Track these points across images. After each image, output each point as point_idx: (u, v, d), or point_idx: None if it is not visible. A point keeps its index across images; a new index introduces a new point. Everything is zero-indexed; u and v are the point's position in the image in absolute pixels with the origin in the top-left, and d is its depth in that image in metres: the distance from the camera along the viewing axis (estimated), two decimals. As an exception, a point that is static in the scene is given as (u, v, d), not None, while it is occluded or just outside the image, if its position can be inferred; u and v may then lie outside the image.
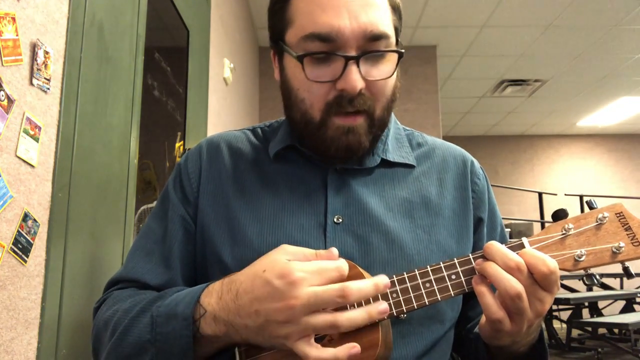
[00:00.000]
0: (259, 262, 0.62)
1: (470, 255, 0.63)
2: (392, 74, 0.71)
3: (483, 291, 0.60)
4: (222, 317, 0.61)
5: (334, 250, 0.62)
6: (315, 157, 0.77)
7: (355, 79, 0.67)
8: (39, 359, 0.97)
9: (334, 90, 0.69)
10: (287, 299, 0.56)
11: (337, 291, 0.56)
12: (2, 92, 0.88)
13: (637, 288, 5.70)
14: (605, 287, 5.59)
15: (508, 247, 0.61)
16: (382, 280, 0.59)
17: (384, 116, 0.74)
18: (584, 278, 0.64)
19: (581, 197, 5.70)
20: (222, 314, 0.61)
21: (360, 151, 0.73)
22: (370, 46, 0.69)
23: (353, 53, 0.68)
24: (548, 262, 0.58)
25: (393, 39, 0.71)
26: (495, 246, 0.61)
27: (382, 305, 0.59)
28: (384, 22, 0.70)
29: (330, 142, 0.72)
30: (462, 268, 0.63)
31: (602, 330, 5.18)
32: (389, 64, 0.71)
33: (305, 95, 0.71)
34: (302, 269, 0.58)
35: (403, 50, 0.71)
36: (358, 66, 0.67)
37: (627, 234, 0.62)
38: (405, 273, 0.64)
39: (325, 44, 0.68)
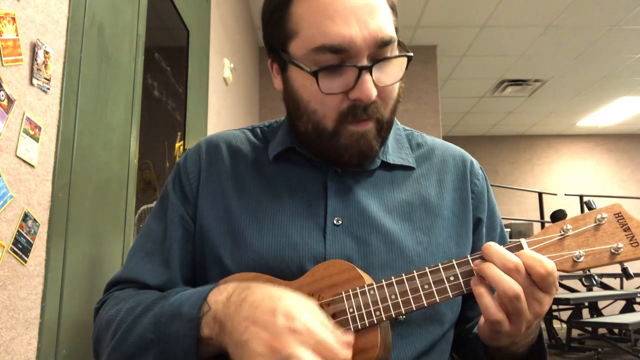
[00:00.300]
0: (283, 290, 0.59)
1: (468, 256, 0.63)
2: (401, 77, 0.71)
3: (482, 292, 0.60)
4: (220, 317, 0.59)
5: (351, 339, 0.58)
6: (316, 159, 0.77)
7: (370, 88, 0.67)
8: (39, 359, 0.97)
9: (347, 100, 0.69)
10: (277, 339, 0.53)
11: None
12: (2, 92, 0.88)
13: (637, 288, 5.70)
14: (605, 287, 5.58)
15: (506, 248, 0.61)
16: None
17: (391, 118, 0.75)
18: (583, 279, 0.64)
19: (581, 197, 5.69)
20: (222, 314, 0.59)
21: (372, 155, 0.74)
22: (380, 52, 0.68)
23: (364, 61, 0.67)
24: (545, 264, 0.58)
25: (396, 41, 0.71)
26: (493, 247, 0.61)
27: None
28: (389, 26, 0.70)
29: (344, 150, 0.72)
30: (461, 270, 0.63)
31: (602, 330, 5.17)
32: (396, 67, 0.70)
33: (318, 107, 0.70)
34: (309, 327, 0.54)
35: (412, 54, 0.70)
36: (371, 75, 0.67)
37: (626, 235, 0.61)
38: (403, 275, 0.63)
39: (337, 55, 0.67)
